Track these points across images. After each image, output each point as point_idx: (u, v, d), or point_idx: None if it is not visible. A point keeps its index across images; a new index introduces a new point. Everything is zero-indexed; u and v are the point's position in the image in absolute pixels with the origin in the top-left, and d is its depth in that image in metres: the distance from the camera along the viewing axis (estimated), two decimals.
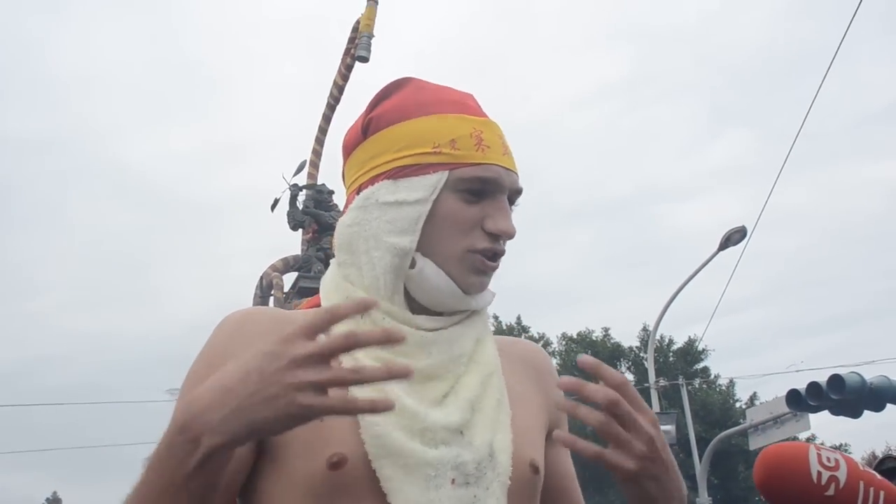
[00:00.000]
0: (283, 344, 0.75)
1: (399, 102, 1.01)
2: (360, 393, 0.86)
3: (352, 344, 0.76)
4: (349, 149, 1.05)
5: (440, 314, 0.98)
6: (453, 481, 0.89)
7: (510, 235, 0.98)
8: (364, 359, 0.90)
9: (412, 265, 0.95)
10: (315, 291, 1.09)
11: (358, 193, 1.00)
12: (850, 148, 53.34)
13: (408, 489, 0.87)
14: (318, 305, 1.04)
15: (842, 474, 0.96)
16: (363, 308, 0.78)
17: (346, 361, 0.89)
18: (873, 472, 1.01)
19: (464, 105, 1.02)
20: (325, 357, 0.75)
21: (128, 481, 0.84)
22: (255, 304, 7.63)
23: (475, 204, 0.96)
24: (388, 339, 0.76)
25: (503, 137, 1.02)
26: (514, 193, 1.01)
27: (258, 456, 0.90)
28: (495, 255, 0.98)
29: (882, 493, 0.97)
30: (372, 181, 0.98)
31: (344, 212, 1.04)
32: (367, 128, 1.01)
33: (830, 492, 0.95)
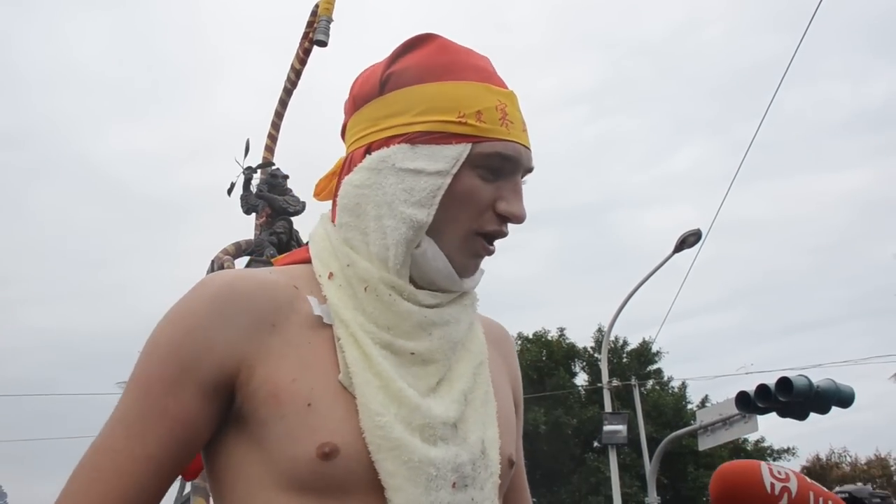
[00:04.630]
0: None
1: (422, 61, 0.93)
2: (358, 376, 0.84)
3: None
4: (360, 101, 0.96)
5: (433, 290, 0.93)
6: (454, 484, 0.85)
7: (522, 220, 0.93)
8: (364, 338, 0.86)
9: (417, 245, 0.89)
10: None
11: (368, 152, 0.92)
12: (808, 159, 54.64)
13: (410, 488, 0.81)
14: (302, 261, 0.97)
15: (793, 485, 1.01)
16: None
17: (346, 340, 0.86)
18: (818, 484, 1.05)
19: (489, 73, 0.95)
20: None
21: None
22: None
23: (491, 182, 0.91)
24: None
25: (521, 112, 0.96)
26: (527, 172, 0.96)
27: (232, 429, 0.85)
28: (497, 238, 0.94)
29: (830, 503, 1.02)
30: (386, 142, 0.91)
31: (344, 168, 0.96)
32: (385, 82, 0.93)
33: (784, 501, 1.00)
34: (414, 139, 0.90)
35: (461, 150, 0.89)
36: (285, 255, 1.03)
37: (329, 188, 1.02)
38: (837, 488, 1.72)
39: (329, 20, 7.98)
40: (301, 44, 8.75)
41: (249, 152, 7.78)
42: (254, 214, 8.09)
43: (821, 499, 1.02)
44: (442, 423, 0.86)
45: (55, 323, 47.16)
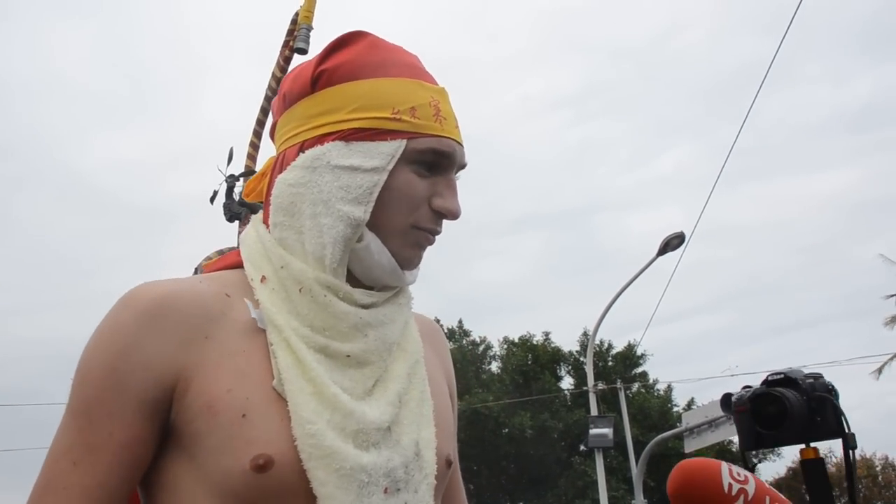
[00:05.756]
0: None
1: (354, 58, 0.92)
2: (291, 383, 0.82)
3: None
4: (291, 99, 0.95)
5: (370, 288, 0.92)
6: (386, 490, 0.84)
7: (457, 216, 0.93)
8: (298, 342, 0.85)
9: (359, 239, 0.89)
10: None
11: (302, 151, 0.91)
12: (792, 161, 55.06)
13: (341, 496, 0.80)
14: (233, 266, 0.95)
15: (751, 488, 1.03)
16: None
17: (278, 345, 0.85)
18: (777, 492, 1.08)
19: (420, 70, 0.96)
20: None
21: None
22: None
23: (426, 178, 0.91)
24: None
25: (453, 108, 0.96)
26: (460, 168, 0.96)
27: (165, 444, 0.83)
28: (433, 235, 0.94)
29: None
30: (320, 140, 0.90)
31: (276, 167, 0.95)
32: (316, 80, 0.92)
33: (740, 502, 1.02)
34: (348, 136, 0.89)
35: (396, 147, 0.89)
36: (216, 259, 1.01)
37: (259, 189, 1.00)
38: (770, 372, 1.76)
39: (309, 28, 7.96)
40: (282, 52, 8.72)
41: (232, 160, 7.77)
42: (237, 222, 8.10)
43: None
44: (375, 427, 0.85)
45: (43, 333, 46.78)
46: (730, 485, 1.03)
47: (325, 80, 0.92)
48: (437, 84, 0.96)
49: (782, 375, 1.80)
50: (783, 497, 1.06)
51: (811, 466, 1.77)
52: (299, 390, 0.82)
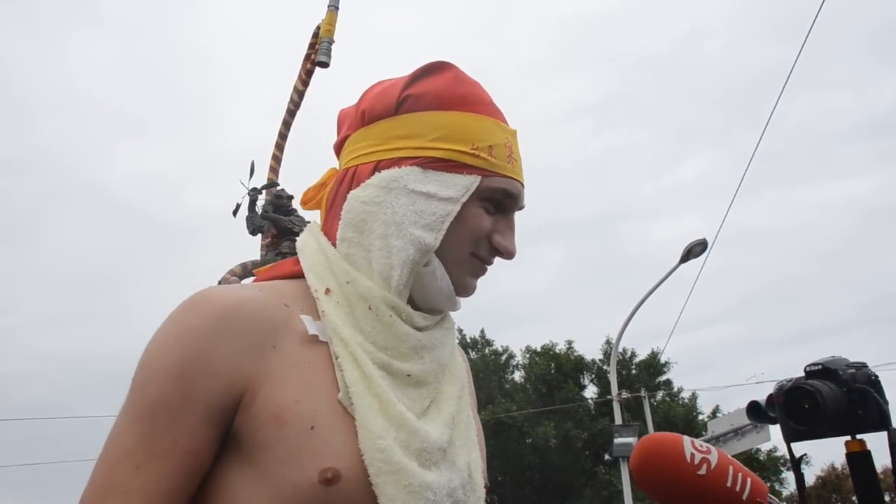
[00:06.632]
0: None
1: (439, 88, 0.95)
2: (359, 398, 0.83)
3: None
4: (371, 117, 0.97)
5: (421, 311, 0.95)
6: None
7: (512, 256, 0.96)
8: (364, 357, 0.86)
9: (426, 263, 0.91)
10: None
11: (377, 170, 0.93)
12: (813, 167, 54.59)
13: None
14: (287, 275, 0.96)
15: (713, 458, 1.04)
16: None
17: (345, 358, 0.86)
18: (741, 465, 1.09)
19: (496, 109, 0.99)
20: None
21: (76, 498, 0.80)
22: None
23: (492, 215, 0.95)
24: None
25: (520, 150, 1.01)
26: (519, 209, 1.00)
27: (224, 453, 0.83)
28: (488, 265, 0.98)
29: (749, 480, 1.05)
30: (397, 162, 0.93)
31: (345, 181, 0.96)
32: (401, 103, 0.95)
33: (702, 471, 1.03)
34: (426, 164, 0.92)
35: (471, 181, 0.92)
36: (268, 268, 1.01)
37: (317, 198, 1.02)
38: (809, 363, 1.73)
39: (331, 41, 8.02)
40: (303, 65, 8.78)
41: (254, 174, 7.81)
42: (259, 235, 8.12)
43: (740, 474, 1.05)
44: (438, 447, 0.87)
45: (65, 346, 47.26)
46: (692, 454, 1.04)
47: (409, 104, 0.94)
48: (508, 124, 0.99)
49: (820, 366, 1.76)
50: (749, 471, 1.07)
51: (857, 459, 1.73)
52: (367, 405, 0.83)
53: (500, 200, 0.95)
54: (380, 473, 0.80)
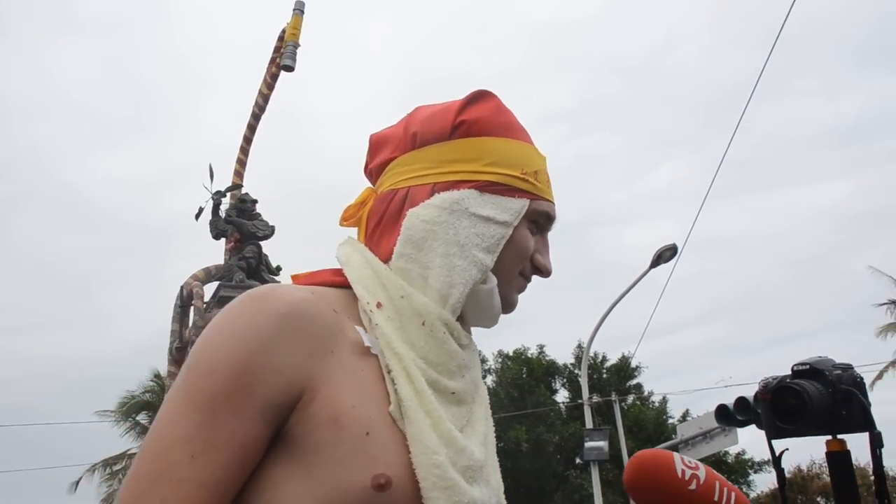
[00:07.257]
0: None
1: (487, 115, 1.00)
2: (413, 412, 0.85)
3: None
4: (424, 140, 0.99)
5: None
6: None
7: (550, 274, 1.03)
8: (417, 373, 0.88)
9: (483, 281, 0.95)
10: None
11: (435, 192, 0.96)
12: (786, 173, 55.41)
13: None
14: (327, 283, 0.96)
15: (702, 473, 1.09)
16: None
17: (398, 373, 0.87)
18: (724, 478, 1.15)
19: (530, 137, 1.04)
20: None
21: None
22: (175, 314, 7.37)
23: (534, 235, 1.01)
24: None
25: None
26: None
27: (273, 450, 0.83)
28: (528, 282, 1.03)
29: (733, 494, 1.11)
30: (455, 185, 0.96)
31: (398, 201, 0.97)
32: (456, 128, 0.98)
33: (693, 486, 1.08)
34: (483, 187, 0.96)
35: (522, 205, 0.98)
36: (306, 274, 1.01)
37: (357, 216, 1.04)
38: (797, 362, 1.73)
39: (296, 45, 7.98)
40: (268, 69, 8.74)
41: (214, 177, 7.73)
42: (223, 239, 8.03)
43: (725, 488, 1.10)
44: (480, 466, 0.90)
45: (40, 351, 46.59)
46: (682, 471, 1.09)
47: (463, 129, 0.98)
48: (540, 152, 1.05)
49: (808, 366, 1.76)
50: (732, 484, 1.13)
51: (836, 459, 1.72)
52: (421, 420, 0.85)
53: (542, 223, 1.01)
54: (434, 488, 0.82)
